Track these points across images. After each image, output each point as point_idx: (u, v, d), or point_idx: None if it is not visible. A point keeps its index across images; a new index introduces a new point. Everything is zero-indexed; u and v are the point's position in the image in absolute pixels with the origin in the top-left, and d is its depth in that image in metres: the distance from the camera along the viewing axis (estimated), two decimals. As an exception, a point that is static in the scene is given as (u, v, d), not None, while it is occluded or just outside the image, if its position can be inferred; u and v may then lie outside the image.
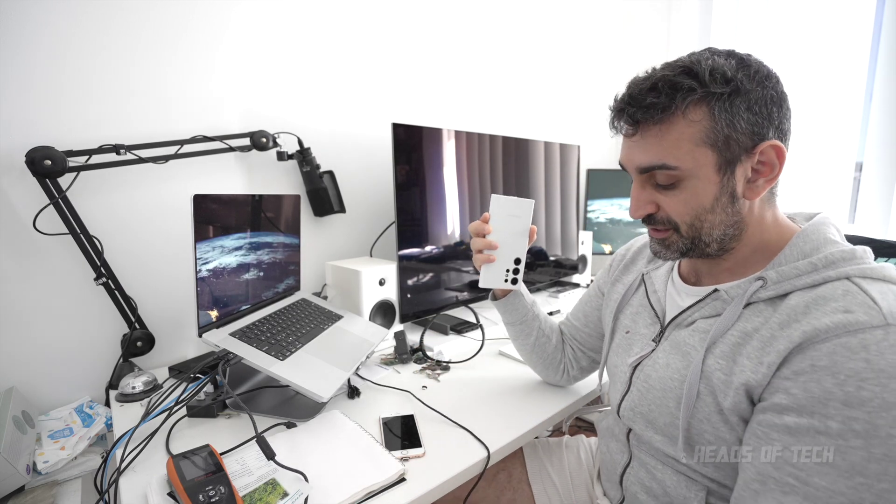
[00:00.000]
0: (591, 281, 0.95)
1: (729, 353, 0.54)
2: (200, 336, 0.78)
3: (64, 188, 0.87)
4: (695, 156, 0.53)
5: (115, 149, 0.90)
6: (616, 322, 0.75)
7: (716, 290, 0.59)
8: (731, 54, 0.54)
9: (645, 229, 0.64)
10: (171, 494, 0.60)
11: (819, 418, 0.45)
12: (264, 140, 1.10)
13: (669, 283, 0.69)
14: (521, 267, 0.81)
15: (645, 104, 0.53)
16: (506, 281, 0.82)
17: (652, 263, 0.75)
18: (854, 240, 0.76)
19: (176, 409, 0.75)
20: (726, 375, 0.53)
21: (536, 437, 0.93)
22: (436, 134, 1.25)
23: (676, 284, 0.68)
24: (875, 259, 0.54)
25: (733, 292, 0.57)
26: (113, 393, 0.91)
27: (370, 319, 1.13)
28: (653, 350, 0.65)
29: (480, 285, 0.81)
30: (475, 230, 0.80)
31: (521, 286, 0.86)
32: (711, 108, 0.51)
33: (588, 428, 1.78)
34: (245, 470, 0.66)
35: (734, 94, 0.51)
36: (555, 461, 0.89)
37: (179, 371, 0.98)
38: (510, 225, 0.79)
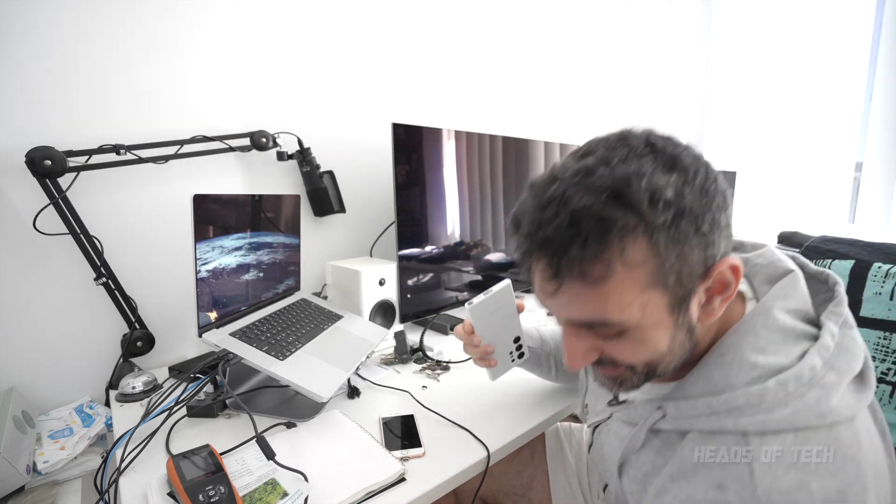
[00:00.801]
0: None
1: (641, 478, 0.51)
2: (200, 336, 0.78)
3: (64, 188, 0.87)
4: (641, 303, 0.41)
5: (115, 149, 0.90)
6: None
7: (626, 401, 0.57)
8: (662, 158, 0.40)
9: None
10: (171, 494, 0.60)
11: None
12: (264, 140, 1.10)
13: None
14: (523, 340, 0.77)
15: (568, 256, 0.39)
16: (513, 362, 0.77)
17: None
18: (855, 244, 0.73)
19: (176, 409, 0.75)
20: (637, 502, 0.51)
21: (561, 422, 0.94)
22: (436, 134, 1.25)
23: None
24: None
25: (635, 412, 0.53)
26: (113, 393, 0.91)
27: (370, 319, 1.13)
28: (608, 416, 0.61)
29: (491, 381, 0.77)
30: (464, 342, 0.72)
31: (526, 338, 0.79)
32: (655, 243, 0.39)
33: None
34: (245, 470, 0.66)
35: (678, 216, 0.39)
36: (574, 444, 0.90)
37: (179, 371, 0.98)
38: (496, 320, 0.72)
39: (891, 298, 0.75)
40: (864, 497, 0.39)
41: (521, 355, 0.77)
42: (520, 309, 0.73)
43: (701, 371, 0.47)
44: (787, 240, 0.93)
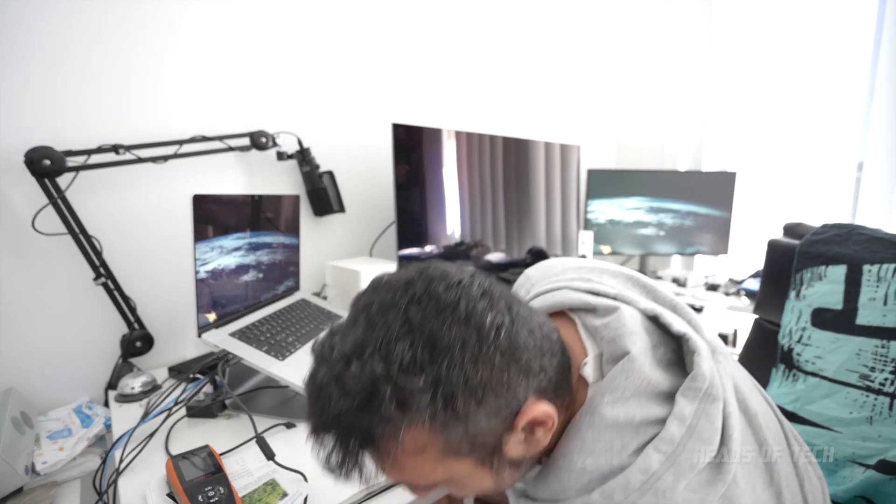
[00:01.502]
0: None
1: None
2: (200, 336, 0.77)
3: (63, 188, 0.87)
4: (445, 468, 0.39)
5: (115, 149, 0.90)
6: None
7: None
8: (421, 340, 0.36)
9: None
10: (170, 495, 0.60)
11: None
12: (264, 140, 1.10)
13: None
14: None
15: (340, 472, 0.39)
16: None
17: None
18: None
19: (175, 409, 0.75)
20: None
21: None
22: (436, 134, 1.24)
23: None
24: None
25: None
26: (112, 393, 0.91)
27: (370, 320, 1.12)
28: None
29: None
30: None
31: None
32: (432, 425, 0.36)
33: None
34: (244, 470, 0.65)
35: (450, 401, 0.35)
36: None
37: (179, 371, 0.98)
38: None
39: (885, 303, 0.71)
40: None
41: None
42: None
43: (541, 475, 0.44)
44: (790, 231, 0.91)
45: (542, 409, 0.39)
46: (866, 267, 0.74)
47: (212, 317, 0.81)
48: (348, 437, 0.37)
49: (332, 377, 0.37)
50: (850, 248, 0.78)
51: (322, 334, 0.41)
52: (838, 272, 0.77)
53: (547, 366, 0.41)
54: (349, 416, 0.36)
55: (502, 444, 0.40)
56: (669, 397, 0.41)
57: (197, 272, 0.77)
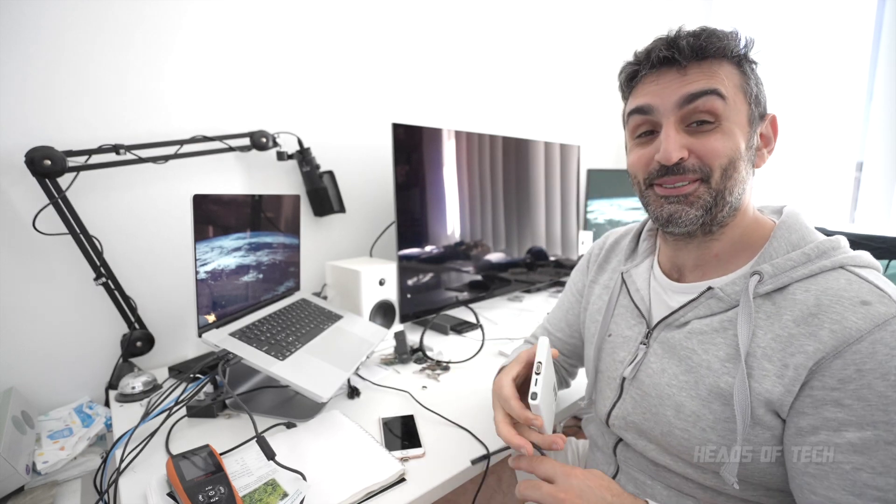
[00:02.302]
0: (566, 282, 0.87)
1: (777, 346, 0.50)
2: (200, 336, 0.77)
3: (63, 188, 0.87)
4: (735, 98, 0.53)
5: (115, 149, 0.90)
6: (603, 329, 0.69)
7: (710, 289, 0.56)
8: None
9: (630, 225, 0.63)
10: (170, 495, 0.60)
11: (884, 427, 0.43)
12: (264, 140, 1.10)
13: (652, 279, 0.65)
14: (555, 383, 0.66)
15: (705, 35, 0.53)
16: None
17: (630, 261, 0.70)
18: (855, 238, 0.74)
19: (176, 409, 0.75)
20: (728, 385, 0.51)
21: None
22: (436, 134, 1.25)
23: (661, 281, 0.64)
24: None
25: (729, 290, 0.54)
26: (112, 393, 0.91)
27: (370, 319, 1.13)
28: (644, 354, 0.61)
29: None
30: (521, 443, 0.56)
31: None
32: (745, 69, 0.55)
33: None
34: (245, 470, 0.65)
35: (755, 65, 0.56)
36: (571, 450, 0.89)
37: (179, 371, 0.98)
38: (549, 391, 0.60)
39: None
40: None
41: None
42: (554, 357, 0.64)
43: (776, 240, 0.54)
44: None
45: (776, 120, 0.58)
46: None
47: (212, 317, 0.81)
48: (714, 32, 0.53)
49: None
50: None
51: None
52: None
53: None
54: (716, 31, 0.54)
55: (759, 122, 0.56)
56: None
57: (197, 272, 0.77)
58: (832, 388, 0.45)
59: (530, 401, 0.54)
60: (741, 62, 0.54)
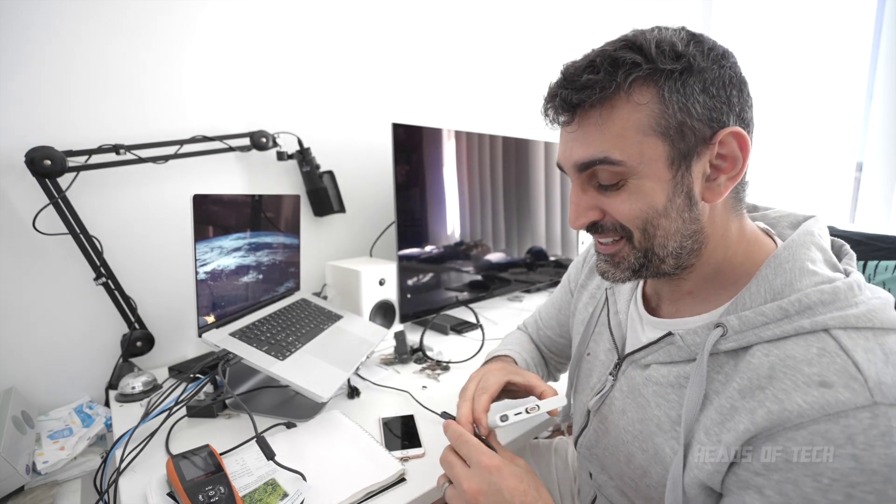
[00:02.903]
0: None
1: (722, 413, 0.44)
2: (200, 336, 0.77)
3: (63, 188, 0.87)
4: (642, 148, 0.44)
5: (115, 149, 0.90)
6: (582, 345, 0.66)
7: (670, 334, 0.50)
8: (682, 29, 0.46)
9: None
10: (170, 495, 0.60)
11: None
12: (264, 140, 1.10)
13: (633, 303, 0.60)
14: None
15: (580, 83, 0.45)
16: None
17: None
18: (855, 237, 0.70)
19: (176, 409, 0.75)
20: (673, 451, 0.46)
21: (536, 438, 0.93)
22: (436, 134, 1.25)
23: (639, 309, 0.59)
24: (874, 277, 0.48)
25: (689, 339, 0.48)
26: (112, 393, 0.91)
27: (370, 319, 1.13)
28: (611, 387, 0.57)
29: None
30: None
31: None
32: (660, 89, 0.43)
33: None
34: (245, 470, 0.65)
35: (686, 72, 0.43)
36: (542, 466, 0.86)
37: (179, 371, 0.98)
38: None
39: None
40: None
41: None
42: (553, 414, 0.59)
43: (759, 281, 0.45)
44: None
45: (740, 130, 0.44)
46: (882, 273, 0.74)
47: (211, 317, 0.81)
48: (601, 63, 0.44)
49: (594, 49, 0.47)
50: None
51: None
52: None
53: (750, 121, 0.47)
54: (608, 52, 0.44)
55: (695, 154, 0.44)
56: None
57: (197, 272, 0.77)
58: (756, 472, 0.39)
59: (499, 421, 0.53)
60: (655, 86, 0.43)
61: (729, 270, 0.49)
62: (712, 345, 0.44)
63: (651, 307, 0.58)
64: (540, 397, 0.59)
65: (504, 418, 0.53)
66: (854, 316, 0.39)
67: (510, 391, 0.64)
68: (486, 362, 0.75)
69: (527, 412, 0.54)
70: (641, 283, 0.61)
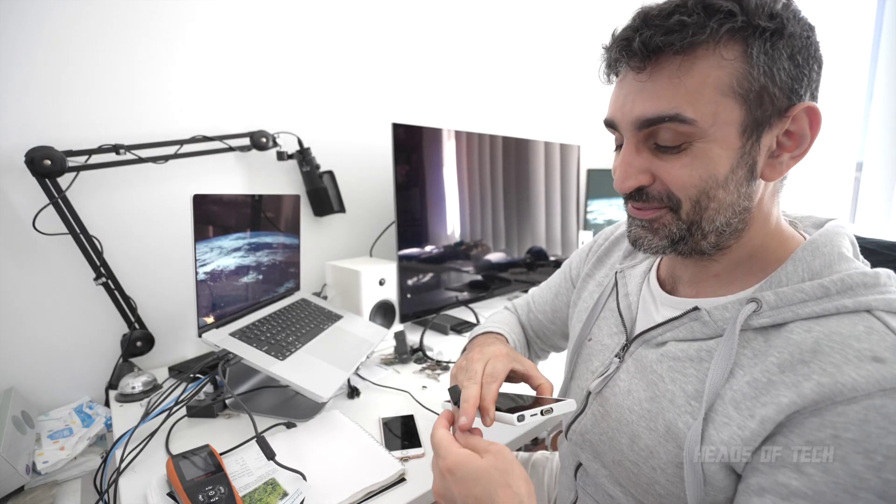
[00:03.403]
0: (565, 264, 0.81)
1: (750, 392, 0.42)
2: (200, 336, 0.77)
3: (63, 188, 0.87)
4: (717, 109, 0.40)
5: (115, 149, 0.90)
6: (584, 331, 0.64)
7: (696, 309, 0.47)
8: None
9: None
10: (170, 494, 0.60)
11: None
12: (264, 140, 1.10)
13: (645, 285, 0.58)
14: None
15: (668, 25, 0.40)
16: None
17: (628, 259, 0.63)
18: (869, 245, 0.69)
19: (176, 409, 0.75)
20: (687, 426, 0.44)
21: (518, 450, 0.89)
22: (436, 134, 1.25)
23: (653, 289, 0.56)
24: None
25: (717, 314, 0.45)
26: (112, 393, 0.91)
27: (370, 319, 1.13)
28: (616, 369, 0.55)
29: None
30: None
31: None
32: (749, 47, 0.39)
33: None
34: (245, 470, 0.65)
35: (777, 34, 0.39)
36: (545, 469, 0.84)
37: (179, 371, 0.98)
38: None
39: None
40: None
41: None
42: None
43: (792, 264, 0.44)
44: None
45: (816, 105, 0.42)
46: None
47: (211, 318, 0.81)
48: (693, 6, 0.40)
49: None
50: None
51: None
52: None
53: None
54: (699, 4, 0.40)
55: (768, 125, 0.42)
56: None
57: (197, 273, 0.77)
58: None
59: (515, 421, 0.49)
60: (744, 43, 0.39)
61: (762, 256, 0.47)
62: (744, 320, 0.43)
63: (666, 290, 0.55)
64: (537, 389, 0.58)
65: (521, 418, 0.50)
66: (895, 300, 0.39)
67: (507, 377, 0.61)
68: (477, 336, 0.72)
69: (542, 414, 0.51)
70: (655, 265, 0.59)
